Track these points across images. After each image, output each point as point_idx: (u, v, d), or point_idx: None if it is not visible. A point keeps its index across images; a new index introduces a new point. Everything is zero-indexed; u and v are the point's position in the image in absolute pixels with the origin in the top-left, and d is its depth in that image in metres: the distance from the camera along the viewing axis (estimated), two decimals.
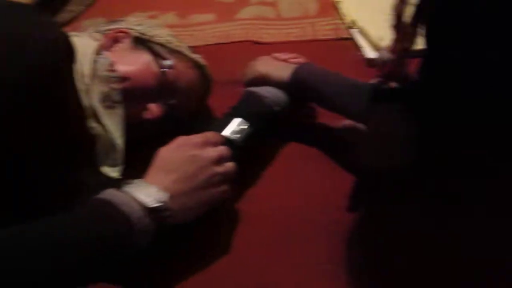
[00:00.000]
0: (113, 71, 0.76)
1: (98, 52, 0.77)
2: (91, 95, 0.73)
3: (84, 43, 0.77)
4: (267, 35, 1.19)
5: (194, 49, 0.92)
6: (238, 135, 0.76)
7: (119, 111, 0.76)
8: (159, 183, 0.63)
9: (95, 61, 0.75)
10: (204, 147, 0.68)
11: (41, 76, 0.55)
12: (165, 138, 0.72)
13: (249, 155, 0.78)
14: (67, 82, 0.64)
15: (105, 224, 0.57)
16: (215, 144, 0.70)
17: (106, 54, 0.78)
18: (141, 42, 0.84)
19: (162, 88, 0.81)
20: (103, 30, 0.86)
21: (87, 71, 0.73)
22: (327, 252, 0.71)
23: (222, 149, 0.70)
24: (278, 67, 0.89)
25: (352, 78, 0.83)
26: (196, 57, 0.89)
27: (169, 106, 0.83)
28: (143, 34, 0.85)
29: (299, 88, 0.85)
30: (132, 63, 0.80)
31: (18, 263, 0.49)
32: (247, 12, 1.30)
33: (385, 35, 1.05)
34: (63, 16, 1.38)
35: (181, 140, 0.69)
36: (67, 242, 0.54)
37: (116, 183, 0.64)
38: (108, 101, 0.75)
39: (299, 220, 0.76)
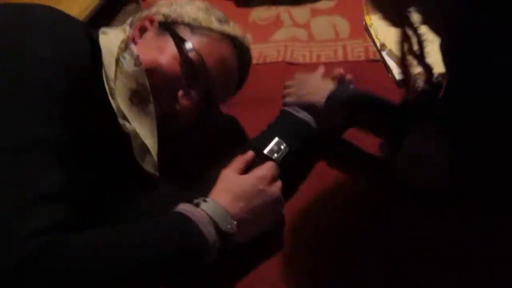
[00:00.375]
0: (139, 65, 0.72)
1: (126, 46, 0.74)
2: (118, 97, 0.71)
3: (111, 41, 0.74)
4: (300, 56, 1.25)
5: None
6: (277, 155, 0.83)
7: (149, 109, 0.73)
8: (228, 207, 0.69)
9: (122, 58, 0.72)
10: (270, 182, 0.76)
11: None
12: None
13: (286, 171, 0.84)
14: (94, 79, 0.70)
15: (185, 240, 0.64)
16: (277, 178, 0.78)
17: (132, 47, 0.74)
18: (165, 27, 0.79)
19: (190, 73, 0.77)
20: (134, 20, 0.83)
21: (111, 74, 0.70)
22: (374, 262, 0.76)
23: (281, 185, 0.77)
24: (317, 90, 0.93)
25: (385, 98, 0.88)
26: (227, 29, 0.83)
27: (204, 91, 0.79)
28: (168, 16, 0.81)
29: (334, 111, 0.89)
30: (154, 53, 0.76)
31: (112, 260, 0.56)
32: (281, 34, 1.36)
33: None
34: None
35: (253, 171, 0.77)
36: (149, 249, 0.60)
37: (186, 193, 0.72)
38: (137, 98, 0.72)
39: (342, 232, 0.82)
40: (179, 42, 0.77)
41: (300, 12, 1.44)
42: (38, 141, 0.56)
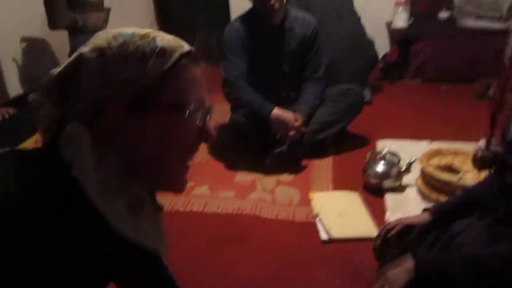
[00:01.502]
0: (126, 178, 0.67)
1: (105, 168, 0.65)
2: (116, 219, 0.65)
3: (88, 175, 0.63)
4: (265, 213, 1.92)
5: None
6: None
7: (147, 208, 0.73)
8: None
9: (108, 185, 0.65)
10: None
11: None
12: None
13: None
14: None
15: None
16: None
17: (112, 168, 0.66)
18: (136, 107, 0.65)
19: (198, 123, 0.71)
20: (78, 116, 0.65)
21: (104, 209, 0.64)
22: None
23: None
24: (396, 276, 1.09)
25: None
26: (174, 57, 0.67)
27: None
28: (127, 93, 0.64)
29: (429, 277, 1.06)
30: (152, 148, 0.68)
31: None
32: (255, 195, 2.05)
33: (333, 227, 1.77)
34: None
35: None
36: None
37: None
38: (134, 205, 0.69)
39: None
40: (169, 115, 0.67)
41: (269, 181, 2.16)
42: None
